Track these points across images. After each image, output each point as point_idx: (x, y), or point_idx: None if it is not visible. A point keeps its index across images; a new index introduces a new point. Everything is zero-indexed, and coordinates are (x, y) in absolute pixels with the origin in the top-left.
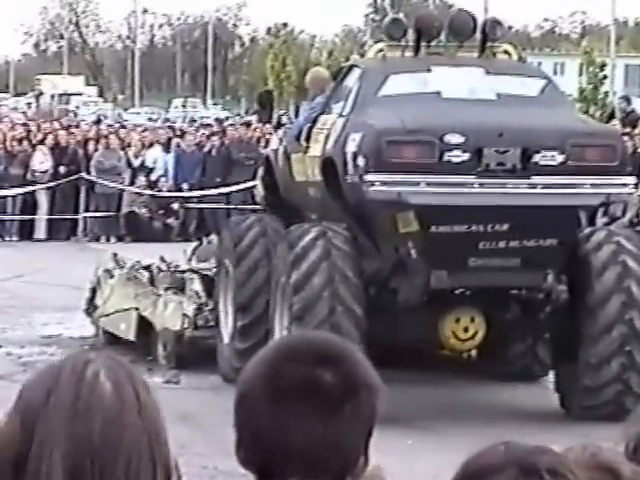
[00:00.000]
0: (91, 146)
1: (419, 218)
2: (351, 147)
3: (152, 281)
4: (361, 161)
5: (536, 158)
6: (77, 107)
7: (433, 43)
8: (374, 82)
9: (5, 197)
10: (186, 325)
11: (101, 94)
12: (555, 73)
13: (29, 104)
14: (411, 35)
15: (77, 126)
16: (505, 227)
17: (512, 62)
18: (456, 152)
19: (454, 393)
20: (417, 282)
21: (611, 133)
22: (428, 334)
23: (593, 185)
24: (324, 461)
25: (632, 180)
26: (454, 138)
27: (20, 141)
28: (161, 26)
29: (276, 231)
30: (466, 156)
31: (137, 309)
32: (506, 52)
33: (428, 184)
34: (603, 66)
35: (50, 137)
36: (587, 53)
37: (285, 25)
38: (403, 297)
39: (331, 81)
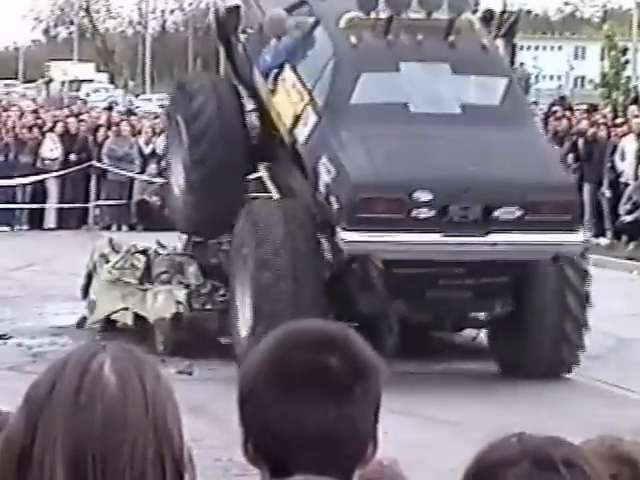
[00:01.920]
0: (101, 133)
1: (385, 264)
2: (324, 178)
3: (149, 266)
4: (335, 205)
5: (496, 213)
6: (87, 94)
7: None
8: (347, 81)
9: (15, 186)
10: (181, 310)
11: (112, 80)
12: (576, 57)
13: (39, 91)
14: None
15: (88, 112)
16: (463, 271)
17: (476, 52)
18: (424, 209)
19: (471, 386)
20: (376, 303)
21: (568, 187)
22: (382, 309)
23: (546, 243)
24: (339, 446)
25: (580, 237)
26: (423, 195)
27: (30, 129)
28: (172, 11)
29: (227, 91)
30: (432, 213)
31: (126, 309)
32: (469, 22)
33: (397, 243)
34: (625, 50)
35: (60, 124)
36: (609, 37)
37: None
38: (361, 307)
39: (288, 23)
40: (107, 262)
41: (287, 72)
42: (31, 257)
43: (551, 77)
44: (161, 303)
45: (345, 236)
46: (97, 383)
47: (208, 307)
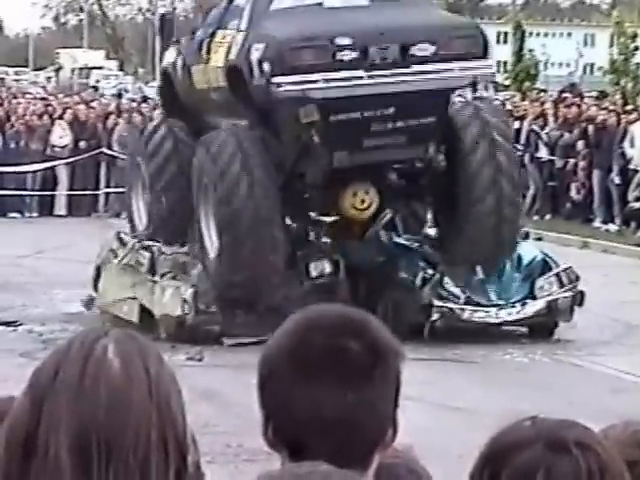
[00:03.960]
0: (112, 120)
1: (320, 110)
2: (255, 55)
3: (153, 264)
4: (267, 66)
5: (412, 50)
6: (97, 81)
7: None
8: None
9: (25, 172)
10: (187, 310)
11: (122, 68)
12: (585, 44)
13: (49, 78)
14: None
15: (97, 99)
16: (391, 111)
17: None
18: (346, 52)
19: (482, 371)
20: (321, 163)
21: (472, 25)
22: (332, 208)
23: (461, 69)
24: (358, 430)
25: (492, 62)
26: (344, 40)
27: (40, 116)
28: None
29: (182, 131)
30: (355, 54)
31: (135, 298)
32: None
33: (326, 80)
34: (634, 37)
35: (69, 112)
36: (618, 24)
37: None
38: (310, 178)
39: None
40: (116, 257)
41: (217, 34)
42: (41, 244)
43: (560, 64)
44: (168, 299)
45: (277, 80)
46: (101, 366)
47: (212, 309)
